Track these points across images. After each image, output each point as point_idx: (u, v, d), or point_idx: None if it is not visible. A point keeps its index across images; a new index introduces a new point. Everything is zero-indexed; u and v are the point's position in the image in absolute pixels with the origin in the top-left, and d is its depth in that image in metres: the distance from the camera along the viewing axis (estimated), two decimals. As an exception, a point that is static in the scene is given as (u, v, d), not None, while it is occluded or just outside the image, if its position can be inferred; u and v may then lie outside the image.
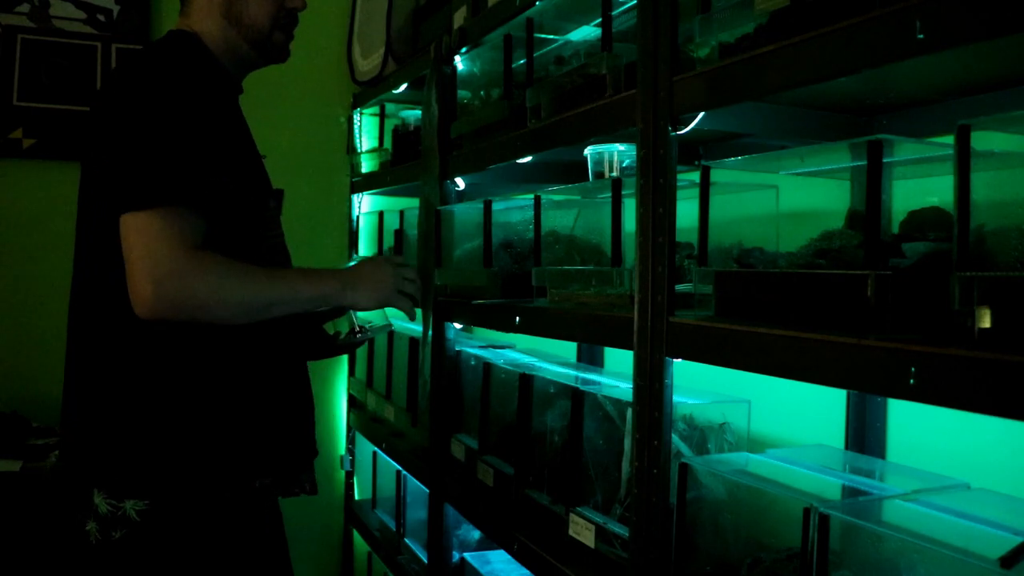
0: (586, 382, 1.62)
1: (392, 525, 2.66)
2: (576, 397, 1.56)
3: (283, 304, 1.44)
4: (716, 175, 1.23)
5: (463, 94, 2.16)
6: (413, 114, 2.66)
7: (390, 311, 1.88)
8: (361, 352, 3.00)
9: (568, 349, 2.25)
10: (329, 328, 1.85)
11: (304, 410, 1.59)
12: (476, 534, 2.19)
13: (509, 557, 1.74)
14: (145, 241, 1.28)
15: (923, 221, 1.08)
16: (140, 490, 1.37)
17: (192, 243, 1.32)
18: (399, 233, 2.60)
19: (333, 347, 1.84)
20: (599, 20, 1.59)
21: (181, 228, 1.30)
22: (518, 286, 1.79)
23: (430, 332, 2.13)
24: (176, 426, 1.40)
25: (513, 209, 1.97)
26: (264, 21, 1.53)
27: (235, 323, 1.40)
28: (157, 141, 1.32)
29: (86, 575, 1.42)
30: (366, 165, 2.94)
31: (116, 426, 1.39)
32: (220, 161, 1.39)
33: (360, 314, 1.83)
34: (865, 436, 1.42)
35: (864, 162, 0.96)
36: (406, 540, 2.52)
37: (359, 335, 1.86)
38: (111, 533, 1.37)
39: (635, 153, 1.33)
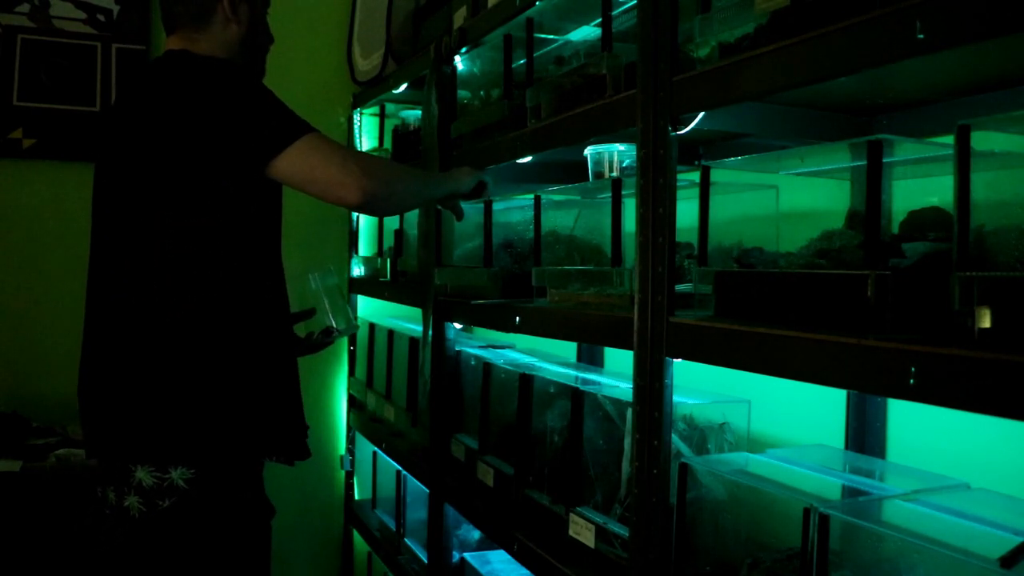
0: (586, 382, 1.62)
1: (392, 525, 2.66)
2: (576, 397, 1.56)
3: (427, 193, 1.84)
4: (716, 175, 1.23)
5: (463, 94, 2.16)
6: (413, 114, 2.65)
7: (366, 310, 1.94)
8: (361, 352, 3.00)
9: (568, 349, 2.25)
10: (300, 330, 1.92)
11: (296, 391, 1.73)
12: (476, 534, 2.19)
13: (509, 557, 1.74)
14: (323, 154, 1.55)
15: (923, 221, 1.08)
16: (186, 458, 1.52)
17: None
18: (399, 233, 2.60)
19: (304, 347, 1.91)
20: (599, 20, 1.59)
21: (328, 138, 1.61)
22: (518, 286, 1.79)
23: (430, 332, 2.13)
24: (211, 403, 1.55)
25: (513, 209, 1.97)
26: (266, 47, 1.82)
27: (404, 206, 1.94)
28: (275, 101, 1.59)
29: (127, 548, 1.56)
30: (366, 165, 2.93)
31: (158, 404, 1.53)
32: None
33: (330, 316, 1.96)
34: (865, 436, 1.42)
35: (864, 162, 0.96)
36: (406, 540, 2.52)
37: (332, 336, 1.94)
38: (157, 503, 1.52)
39: (635, 153, 1.33)
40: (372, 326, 2.84)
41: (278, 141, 1.53)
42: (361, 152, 1.65)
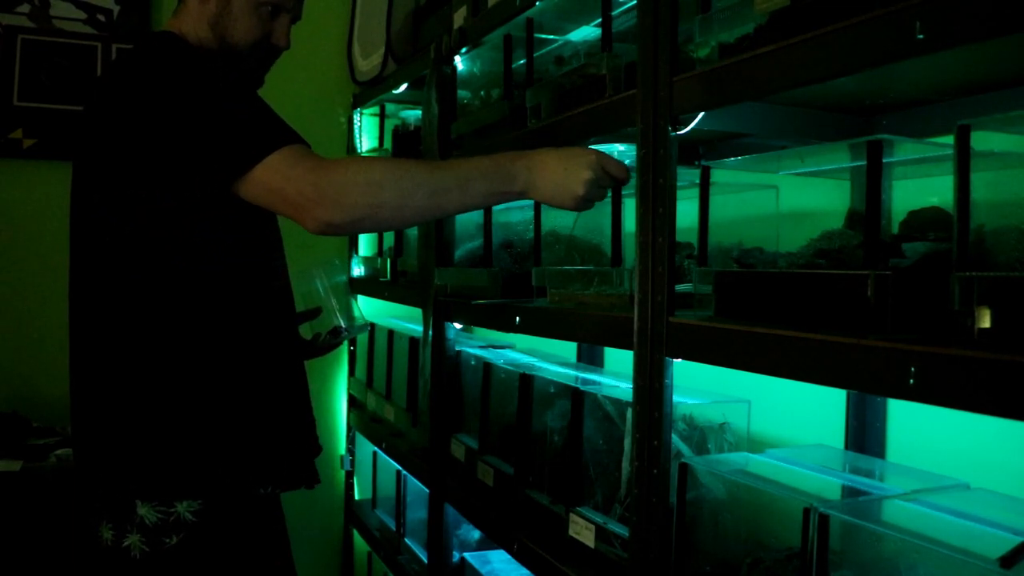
0: (586, 382, 1.62)
1: (392, 525, 2.66)
2: (576, 397, 1.56)
3: (453, 191, 1.35)
4: (716, 175, 1.23)
5: (463, 94, 2.16)
6: (413, 114, 2.66)
7: (366, 310, 1.89)
8: (361, 352, 3.00)
9: (568, 349, 2.25)
10: (306, 330, 1.84)
11: (304, 410, 1.60)
12: (476, 534, 2.19)
13: (509, 557, 1.74)
14: (285, 174, 1.30)
15: (923, 221, 1.08)
16: (192, 490, 1.39)
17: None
18: (399, 233, 2.60)
19: (312, 349, 1.85)
20: (599, 20, 1.59)
21: (305, 152, 1.33)
22: (518, 286, 1.79)
23: (430, 332, 2.13)
24: (212, 426, 1.42)
25: (513, 209, 1.97)
26: (245, 45, 1.54)
27: (410, 219, 1.39)
28: (240, 108, 1.36)
29: None
30: (366, 165, 2.93)
31: (155, 431, 1.40)
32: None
33: (338, 315, 1.87)
34: (865, 436, 1.42)
35: (864, 162, 0.96)
36: (406, 540, 2.52)
37: (341, 336, 1.88)
38: (163, 541, 1.38)
39: (635, 153, 1.33)
40: (372, 326, 2.84)
41: (251, 151, 1.31)
42: (345, 159, 1.38)
